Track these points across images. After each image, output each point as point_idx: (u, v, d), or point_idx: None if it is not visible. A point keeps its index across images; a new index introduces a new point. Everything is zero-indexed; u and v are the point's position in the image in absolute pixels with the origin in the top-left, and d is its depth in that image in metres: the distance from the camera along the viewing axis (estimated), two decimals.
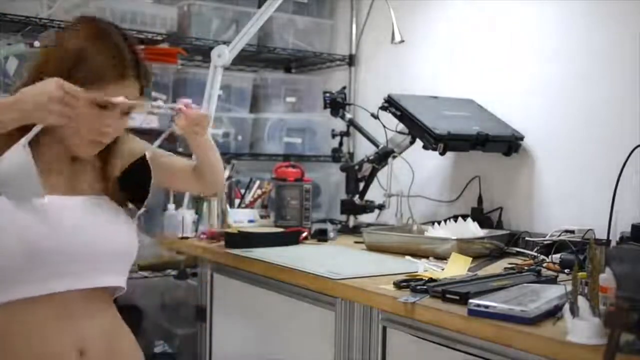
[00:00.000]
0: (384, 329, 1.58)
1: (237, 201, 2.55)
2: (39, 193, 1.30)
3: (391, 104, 2.29)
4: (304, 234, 2.28)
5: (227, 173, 2.44)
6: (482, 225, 2.09)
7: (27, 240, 1.27)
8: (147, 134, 2.42)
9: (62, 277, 1.31)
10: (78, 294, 1.33)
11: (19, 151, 1.27)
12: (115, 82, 1.32)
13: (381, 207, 2.49)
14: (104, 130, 1.35)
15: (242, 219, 2.47)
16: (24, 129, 1.28)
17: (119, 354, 1.41)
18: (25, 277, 1.28)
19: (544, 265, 1.81)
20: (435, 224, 2.11)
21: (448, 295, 1.39)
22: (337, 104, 2.62)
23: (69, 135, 1.34)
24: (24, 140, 1.28)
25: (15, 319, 1.29)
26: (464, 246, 1.90)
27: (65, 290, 1.31)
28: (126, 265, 1.46)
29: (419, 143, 2.30)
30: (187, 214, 2.34)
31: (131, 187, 1.48)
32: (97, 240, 1.37)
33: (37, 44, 2.44)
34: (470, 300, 1.29)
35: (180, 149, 2.59)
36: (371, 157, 2.47)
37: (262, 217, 2.53)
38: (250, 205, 2.56)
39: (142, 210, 1.50)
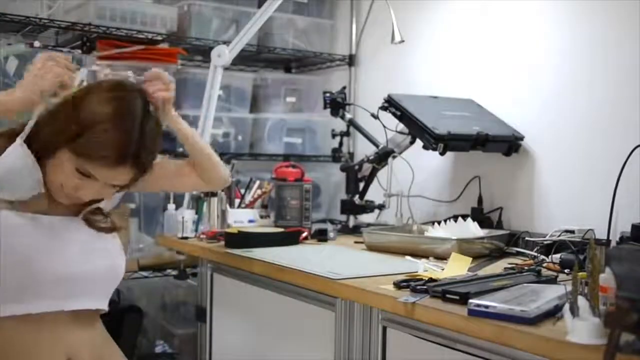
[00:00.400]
0: (384, 329, 1.58)
1: (237, 201, 2.55)
2: (36, 188, 1.31)
3: (391, 104, 2.29)
4: (304, 234, 2.28)
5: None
6: (482, 225, 2.08)
7: (21, 263, 1.28)
8: None
9: (52, 300, 1.32)
10: (59, 316, 1.34)
11: (17, 149, 1.29)
12: (109, 166, 1.28)
13: (381, 207, 2.49)
14: (81, 196, 1.34)
15: (242, 219, 2.47)
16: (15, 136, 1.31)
17: None
18: (16, 297, 1.29)
19: (544, 265, 1.80)
20: (435, 224, 2.11)
21: (448, 295, 1.38)
22: (337, 104, 2.62)
23: (50, 187, 1.34)
24: (19, 140, 1.30)
25: (3, 334, 1.29)
26: (464, 246, 1.90)
27: (56, 311, 1.33)
28: (111, 286, 1.46)
29: (419, 143, 2.30)
30: (187, 214, 2.33)
31: None
32: (85, 265, 1.37)
33: (37, 44, 2.44)
34: (470, 300, 1.29)
35: (180, 149, 2.59)
36: (371, 157, 2.47)
37: (262, 217, 2.53)
38: (250, 205, 2.56)
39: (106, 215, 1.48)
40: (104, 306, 1.44)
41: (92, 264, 1.38)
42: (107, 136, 1.26)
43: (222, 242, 2.14)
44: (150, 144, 1.33)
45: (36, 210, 1.34)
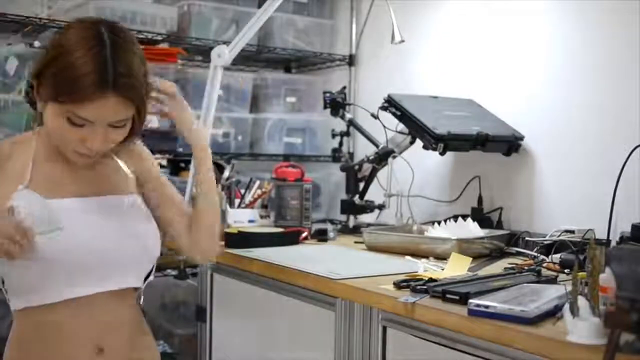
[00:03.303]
0: (384, 329, 1.58)
1: (237, 201, 2.55)
2: (59, 226, 1.25)
3: (391, 104, 2.29)
4: (304, 234, 2.28)
5: (227, 173, 2.44)
6: (482, 225, 2.09)
7: (43, 254, 1.23)
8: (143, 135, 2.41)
9: (78, 284, 1.28)
10: (96, 295, 1.31)
11: (24, 193, 1.26)
12: (91, 99, 1.19)
13: (381, 207, 2.49)
14: (90, 146, 1.25)
15: (242, 219, 2.46)
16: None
17: (136, 355, 1.39)
18: (42, 285, 1.26)
19: (544, 265, 1.81)
20: (435, 224, 2.11)
21: (448, 295, 1.39)
22: (337, 104, 2.62)
23: (59, 146, 1.29)
24: (22, 187, 1.27)
25: (33, 321, 1.28)
26: (464, 246, 1.90)
27: (83, 295, 1.29)
28: (146, 265, 1.40)
29: (419, 143, 2.30)
30: None
31: None
32: (115, 245, 1.32)
33: (37, 44, 2.44)
34: (470, 300, 1.29)
35: (180, 149, 2.58)
36: (371, 157, 2.47)
37: (262, 217, 2.53)
38: (250, 205, 2.55)
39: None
40: (137, 284, 1.39)
41: (120, 245, 1.33)
42: (76, 66, 1.18)
43: (222, 242, 2.14)
44: (127, 63, 1.22)
45: (63, 195, 1.30)
